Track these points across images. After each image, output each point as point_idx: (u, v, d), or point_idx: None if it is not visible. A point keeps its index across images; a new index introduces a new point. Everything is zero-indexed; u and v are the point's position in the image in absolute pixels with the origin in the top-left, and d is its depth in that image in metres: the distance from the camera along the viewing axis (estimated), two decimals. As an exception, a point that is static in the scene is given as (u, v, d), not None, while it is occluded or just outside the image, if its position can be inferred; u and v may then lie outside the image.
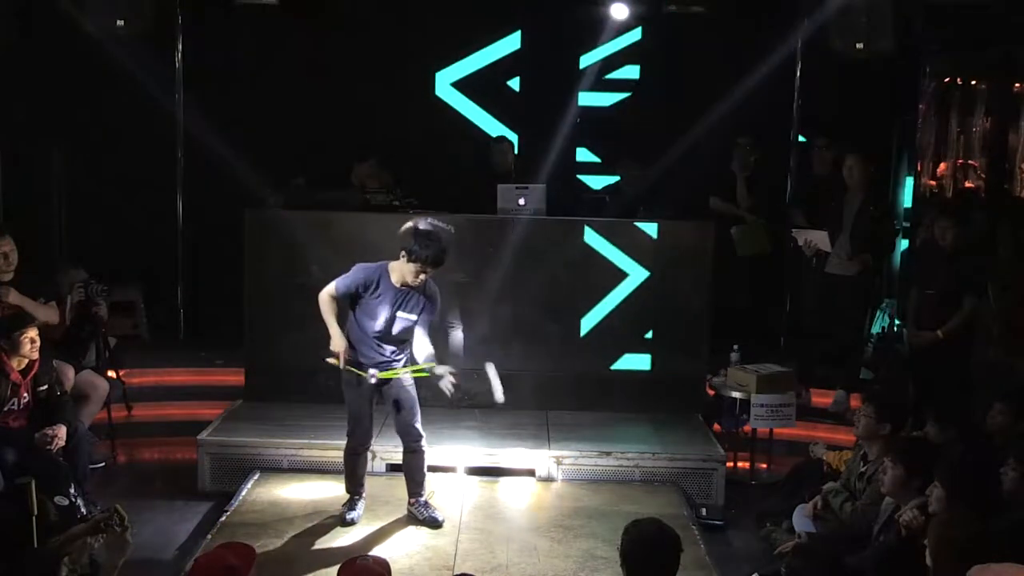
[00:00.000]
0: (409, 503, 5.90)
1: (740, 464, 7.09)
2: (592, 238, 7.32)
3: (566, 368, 7.41)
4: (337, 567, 3.68)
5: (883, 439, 5.41)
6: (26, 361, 5.85)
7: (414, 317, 5.58)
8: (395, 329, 5.58)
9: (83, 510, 5.26)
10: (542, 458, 6.60)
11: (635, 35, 8.78)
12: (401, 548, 5.52)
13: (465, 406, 6.87)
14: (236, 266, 7.45)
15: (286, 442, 6.63)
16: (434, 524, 5.79)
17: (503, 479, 6.53)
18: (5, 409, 5.79)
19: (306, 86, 8.93)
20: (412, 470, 5.86)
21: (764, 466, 7.08)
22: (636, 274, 7.34)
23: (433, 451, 6.04)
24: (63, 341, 6.80)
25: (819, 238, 7.47)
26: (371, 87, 9.09)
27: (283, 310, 7.32)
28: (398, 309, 5.54)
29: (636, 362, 7.39)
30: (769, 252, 8.49)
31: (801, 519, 5.58)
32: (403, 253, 5.42)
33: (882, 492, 4.98)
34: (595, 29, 8.73)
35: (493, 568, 5.34)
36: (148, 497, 6.43)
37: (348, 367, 5.61)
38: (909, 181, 9.38)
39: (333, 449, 6.51)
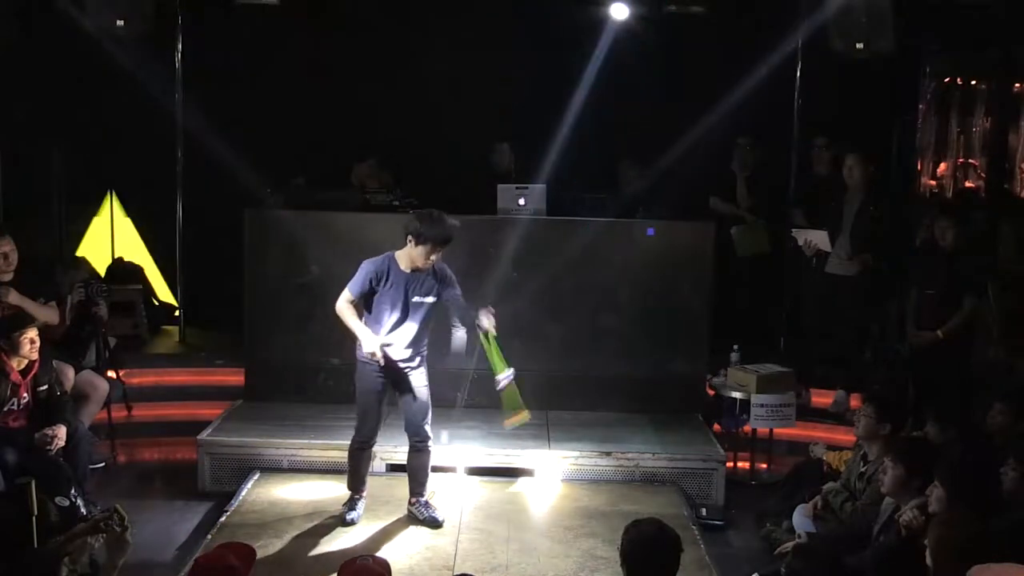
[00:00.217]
0: (410, 502, 5.90)
1: (740, 464, 7.10)
2: (592, 238, 7.32)
3: (566, 368, 7.41)
4: (337, 567, 3.69)
5: (883, 439, 5.41)
6: (26, 361, 5.85)
7: (431, 299, 5.59)
8: (413, 314, 5.57)
9: (83, 510, 5.26)
10: (542, 458, 6.60)
11: (635, 35, 8.77)
12: (401, 548, 5.52)
13: (468, 405, 6.89)
14: (236, 266, 7.45)
15: (286, 442, 6.63)
16: (434, 524, 5.79)
17: (503, 479, 6.53)
18: (5, 409, 5.79)
19: (306, 86, 8.93)
20: (416, 470, 5.87)
21: (764, 466, 7.08)
22: (636, 274, 7.34)
23: (433, 451, 6.03)
24: (63, 341, 6.80)
25: (819, 238, 7.47)
26: (371, 87, 9.09)
27: (283, 310, 7.33)
28: (413, 294, 5.55)
29: (636, 362, 7.39)
30: (769, 252, 8.49)
31: (801, 519, 5.58)
32: (409, 239, 5.47)
33: (882, 492, 4.98)
34: (595, 29, 8.72)
35: (493, 568, 5.34)
36: (148, 497, 6.45)
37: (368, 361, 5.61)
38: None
39: (333, 449, 6.52)
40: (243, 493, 6.18)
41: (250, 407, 7.27)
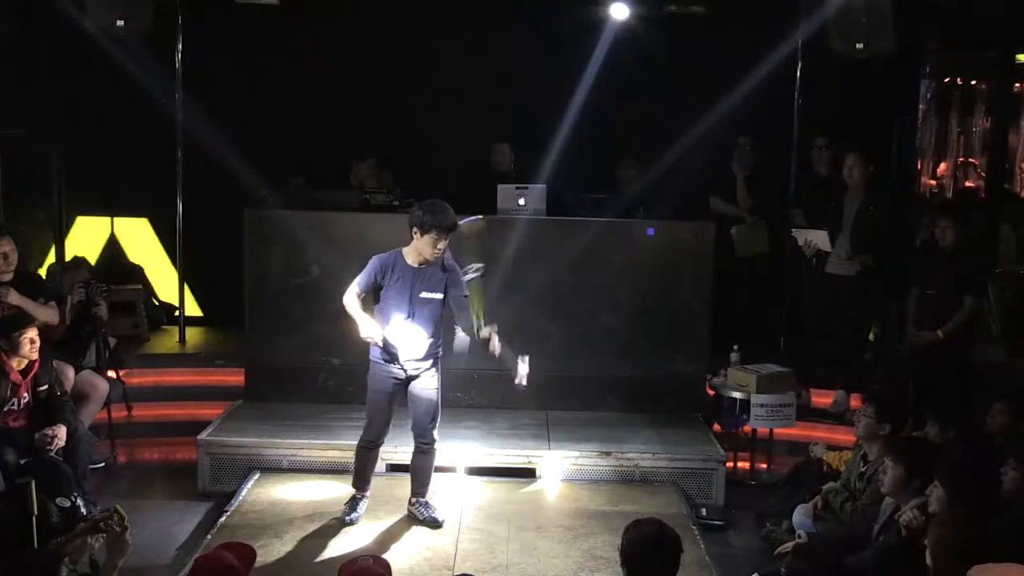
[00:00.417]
0: (410, 502, 5.90)
1: (740, 464, 7.10)
2: (592, 238, 7.31)
3: (566, 368, 7.41)
4: (337, 567, 3.69)
5: (883, 439, 5.41)
6: (26, 361, 5.86)
7: (438, 295, 5.58)
8: (420, 309, 5.56)
9: (83, 510, 5.26)
10: (542, 458, 6.60)
11: (635, 35, 8.76)
12: (401, 548, 5.52)
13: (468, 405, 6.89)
14: (236, 266, 7.45)
15: (286, 442, 6.63)
16: (434, 524, 5.79)
17: (503, 479, 6.53)
18: (5, 409, 5.80)
19: (306, 86, 8.92)
20: (419, 470, 5.87)
21: (764, 466, 7.09)
22: (636, 274, 7.34)
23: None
24: (63, 341, 6.81)
25: (819, 238, 7.47)
26: (371, 87, 9.09)
27: (283, 310, 7.33)
28: (420, 289, 5.54)
29: (636, 362, 7.39)
30: (769, 252, 8.49)
31: (801, 519, 5.59)
32: (414, 230, 5.47)
33: (882, 492, 4.98)
34: (595, 29, 8.71)
35: (493, 568, 5.34)
36: (148, 497, 6.45)
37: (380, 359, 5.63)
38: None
39: (333, 449, 6.53)
40: (243, 493, 6.18)
41: (250, 407, 7.27)
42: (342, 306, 5.66)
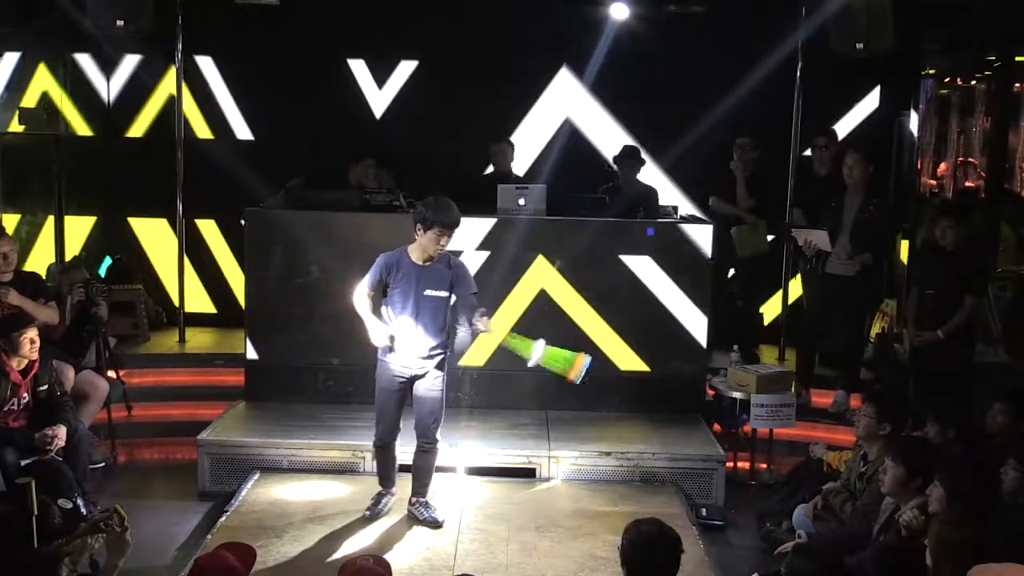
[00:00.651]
0: (410, 502, 5.90)
1: (740, 464, 7.11)
2: (592, 238, 7.31)
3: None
4: (337, 567, 3.69)
5: (883, 439, 5.41)
6: (26, 361, 5.86)
7: (443, 293, 5.59)
8: (425, 306, 5.56)
9: (83, 510, 5.26)
10: (542, 458, 6.60)
11: (635, 35, 8.76)
12: (401, 548, 5.53)
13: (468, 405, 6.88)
14: (236, 266, 7.45)
15: (286, 442, 6.63)
16: (434, 524, 5.79)
17: (503, 479, 6.53)
18: (5, 409, 5.80)
19: (306, 86, 8.92)
20: (420, 470, 5.87)
21: (764, 466, 7.09)
22: (636, 274, 7.34)
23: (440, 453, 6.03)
24: (63, 341, 6.82)
25: (819, 238, 7.46)
26: (371, 87, 9.09)
27: (283, 310, 7.33)
28: (425, 287, 5.55)
29: (636, 362, 7.39)
30: (769, 252, 8.48)
31: (801, 519, 5.59)
32: (418, 227, 5.48)
33: (882, 492, 4.99)
34: (595, 29, 8.72)
35: (493, 568, 5.34)
36: (148, 497, 6.45)
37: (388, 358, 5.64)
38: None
39: (333, 449, 6.53)
40: (243, 493, 6.18)
41: (250, 407, 7.28)
42: (351, 305, 5.68)
